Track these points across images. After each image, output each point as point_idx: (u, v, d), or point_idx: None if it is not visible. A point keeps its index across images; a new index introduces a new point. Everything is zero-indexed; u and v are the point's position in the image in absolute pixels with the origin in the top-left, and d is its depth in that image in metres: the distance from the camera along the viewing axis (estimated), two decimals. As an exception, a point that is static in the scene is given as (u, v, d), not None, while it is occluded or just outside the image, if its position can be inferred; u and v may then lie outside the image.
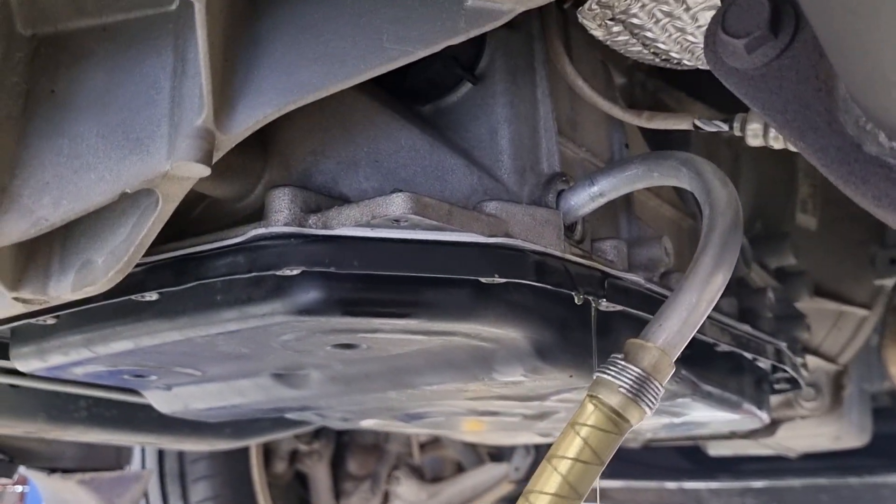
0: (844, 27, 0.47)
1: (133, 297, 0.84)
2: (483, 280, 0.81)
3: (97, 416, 1.82)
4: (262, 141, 0.85)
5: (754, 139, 0.89)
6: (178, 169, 0.62)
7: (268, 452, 2.74)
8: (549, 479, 0.65)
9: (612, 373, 0.68)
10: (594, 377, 0.70)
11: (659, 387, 0.69)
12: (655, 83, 1.38)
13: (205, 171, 0.63)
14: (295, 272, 0.77)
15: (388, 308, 0.82)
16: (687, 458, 3.02)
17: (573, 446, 0.66)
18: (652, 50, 0.88)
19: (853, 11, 0.44)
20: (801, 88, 0.59)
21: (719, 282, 0.71)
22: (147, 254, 0.82)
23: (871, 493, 3.13)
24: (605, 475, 2.52)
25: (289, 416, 1.39)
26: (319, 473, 2.88)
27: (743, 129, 0.89)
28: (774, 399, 2.07)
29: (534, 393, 1.10)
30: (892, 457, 2.79)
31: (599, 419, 0.67)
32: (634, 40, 0.86)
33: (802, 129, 0.58)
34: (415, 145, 0.88)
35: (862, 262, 1.89)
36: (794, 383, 1.55)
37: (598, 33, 0.84)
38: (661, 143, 1.26)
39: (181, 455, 2.62)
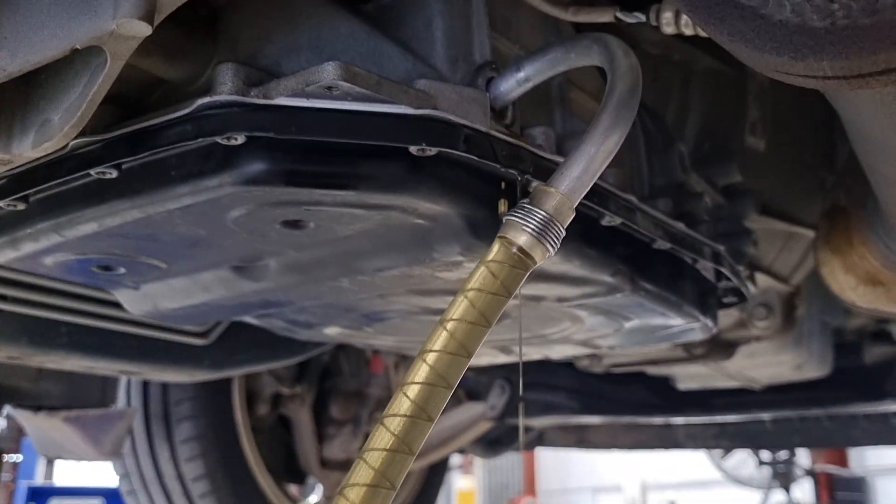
0: None
1: (93, 173, 0.92)
2: (413, 151, 0.88)
3: (78, 342, 1.89)
4: (212, 27, 0.92)
5: (668, 27, 0.96)
6: (123, 27, 0.69)
7: (250, 396, 2.80)
8: (459, 307, 0.73)
9: (520, 216, 0.77)
10: (503, 220, 0.78)
11: (561, 228, 0.77)
12: None
13: (147, 29, 0.70)
14: (239, 140, 0.85)
15: (327, 179, 0.90)
16: (656, 393, 3.12)
17: (482, 280, 0.74)
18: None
19: None
20: (672, -58, 0.66)
21: (616, 137, 0.79)
22: (105, 130, 0.90)
23: (842, 434, 3.24)
24: (578, 411, 2.63)
25: (253, 320, 1.47)
26: (302, 417, 2.95)
27: (658, 18, 0.96)
28: (729, 320, 2.16)
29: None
30: (854, 388, 2.89)
31: (507, 256, 0.75)
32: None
33: (673, -21, 0.66)
34: (354, 33, 0.95)
35: (812, 186, 1.96)
36: (740, 295, 1.63)
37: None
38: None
39: (165, 395, 2.69)
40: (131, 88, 0.92)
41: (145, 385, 2.68)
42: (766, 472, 8.22)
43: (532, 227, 0.76)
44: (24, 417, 2.50)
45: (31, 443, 2.71)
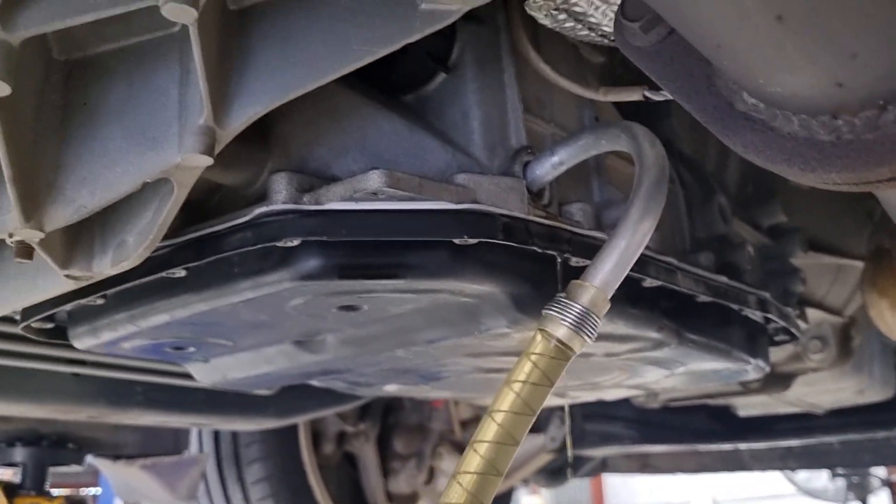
0: (683, 25, 0.60)
1: (164, 273, 1.00)
2: (456, 241, 0.94)
3: (152, 399, 2.00)
4: (264, 135, 1.00)
5: (694, 105, 1.00)
6: (187, 160, 0.77)
7: (316, 435, 2.88)
8: (506, 399, 0.79)
9: (557, 309, 0.82)
10: (542, 313, 0.83)
11: (597, 320, 0.82)
12: None
13: (208, 161, 0.78)
14: (295, 242, 0.92)
15: (377, 270, 0.96)
16: (718, 420, 3.10)
17: (525, 370, 0.79)
18: (599, 33, 1.00)
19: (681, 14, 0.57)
20: (687, 61, 0.71)
21: (646, 227, 0.84)
22: (173, 236, 0.98)
23: (913, 451, 3.17)
24: (638, 440, 2.67)
25: (316, 382, 1.54)
26: (367, 454, 3.01)
27: (685, 96, 1.00)
28: (784, 353, 2.16)
29: (523, 346, 1.23)
30: (919, 410, 2.82)
31: (547, 348, 0.80)
32: (580, 25, 0.98)
33: (689, 93, 0.70)
34: (396, 130, 1.01)
35: (859, 217, 1.96)
36: (790, 334, 1.64)
37: (546, 22, 0.97)
38: (644, 115, 1.38)
39: (235, 439, 2.79)
40: (194, 196, 1.00)
41: (216, 431, 2.78)
42: (841, 483, 7.98)
43: (569, 320, 0.81)
44: (104, 465, 2.62)
45: (111, 487, 2.83)
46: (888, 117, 0.60)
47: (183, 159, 0.77)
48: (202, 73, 0.75)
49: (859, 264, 1.92)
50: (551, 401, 1.98)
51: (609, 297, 0.83)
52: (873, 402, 2.65)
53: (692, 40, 0.62)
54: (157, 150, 0.78)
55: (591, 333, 0.82)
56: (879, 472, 8.04)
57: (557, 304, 0.82)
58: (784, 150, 0.65)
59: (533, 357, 0.80)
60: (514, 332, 1.13)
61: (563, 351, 0.81)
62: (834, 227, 1.91)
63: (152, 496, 2.71)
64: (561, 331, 0.81)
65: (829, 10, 0.50)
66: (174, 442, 2.72)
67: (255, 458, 2.77)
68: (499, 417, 0.78)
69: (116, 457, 2.59)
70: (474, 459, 0.78)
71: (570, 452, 2.89)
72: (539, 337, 0.81)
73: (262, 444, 2.76)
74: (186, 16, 0.71)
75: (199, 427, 2.62)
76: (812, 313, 1.95)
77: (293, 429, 2.75)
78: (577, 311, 0.81)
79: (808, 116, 0.63)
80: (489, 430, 0.79)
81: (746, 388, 2.17)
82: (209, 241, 0.96)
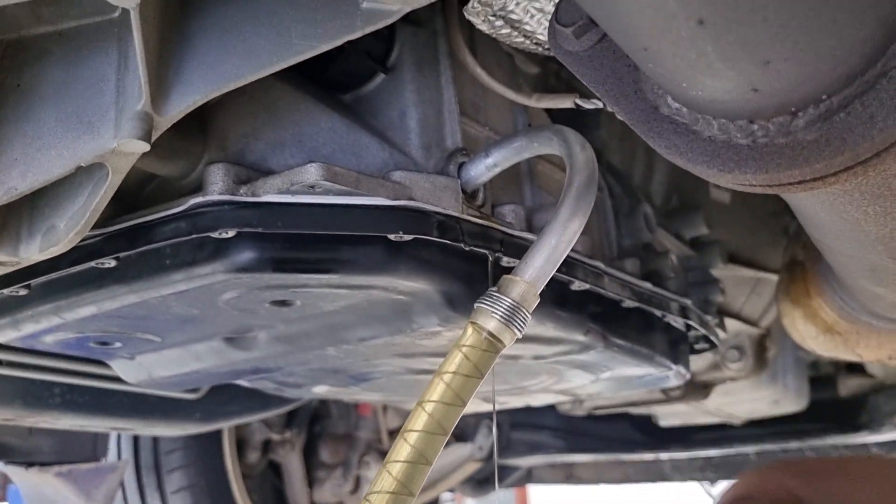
0: (612, 28, 0.63)
1: (93, 263, 0.99)
2: (391, 237, 0.96)
3: (70, 402, 1.93)
4: (201, 126, 1.00)
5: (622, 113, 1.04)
6: (123, 146, 0.77)
7: (241, 443, 2.84)
8: (437, 389, 0.81)
9: (488, 303, 0.84)
10: (474, 307, 0.85)
11: (527, 314, 0.85)
12: (569, 73, 1.54)
13: (144, 146, 0.77)
14: (230, 234, 0.92)
15: (311, 265, 0.97)
16: (640, 430, 3.18)
17: (456, 362, 0.81)
18: (533, 41, 1.04)
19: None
20: (616, 66, 0.74)
21: (575, 226, 0.87)
22: (105, 225, 0.97)
23: (825, 463, 3.31)
24: (564, 449, 2.72)
25: (245, 382, 1.53)
26: (292, 463, 2.98)
27: (614, 105, 1.04)
28: (703, 363, 2.24)
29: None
30: (830, 420, 2.96)
31: (478, 340, 0.82)
32: (516, 33, 1.01)
33: (617, 97, 0.74)
34: (334, 127, 1.03)
35: (776, 232, 2.06)
36: (710, 342, 1.71)
37: (484, 27, 1.00)
38: (575, 125, 1.42)
39: (156, 446, 2.72)
40: (127, 184, 0.99)
41: (136, 437, 2.71)
42: (757, 497, 8.27)
43: (500, 313, 0.83)
44: (16, 473, 2.52)
45: (22, 497, 2.72)
46: (798, 123, 0.64)
47: (119, 144, 0.76)
48: (142, 59, 0.75)
49: (775, 277, 2.01)
50: (479, 407, 2.00)
51: (538, 291, 0.86)
52: (787, 412, 2.76)
53: (621, 43, 0.65)
54: (92, 134, 0.78)
55: (521, 327, 0.84)
56: (792, 485, 8.36)
57: (489, 297, 0.85)
58: (705, 153, 0.69)
59: (464, 349, 0.82)
60: (446, 331, 1.15)
61: (493, 343, 0.83)
62: (752, 241, 2.00)
63: (66, 506, 2.62)
64: (492, 323, 0.83)
65: (745, 17, 0.54)
66: (92, 448, 2.64)
67: (176, 466, 2.71)
68: (429, 407, 0.80)
69: (29, 464, 2.50)
70: (404, 449, 0.79)
71: (495, 457, 2.92)
72: (470, 329, 0.83)
73: (184, 451, 2.70)
74: (128, 0, 0.71)
75: (120, 432, 2.55)
76: (730, 323, 2.03)
77: (217, 436, 2.70)
78: (508, 304, 0.83)
79: (726, 121, 0.67)
80: (419, 420, 0.80)
81: (668, 396, 2.24)
82: (142, 230, 0.95)
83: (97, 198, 0.81)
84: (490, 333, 0.83)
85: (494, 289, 0.85)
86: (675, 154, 0.70)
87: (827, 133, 0.63)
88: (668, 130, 0.70)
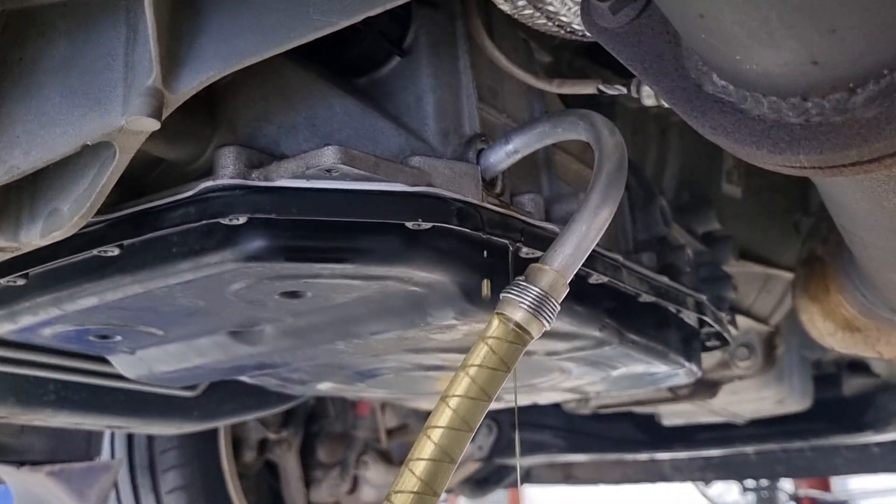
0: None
1: (96, 251, 0.94)
2: (409, 225, 0.92)
3: (65, 399, 1.88)
4: (211, 109, 0.95)
5: (648, 99, 1.01)
6: (132, 123, 0.72)
7: (237, 442, 2.79)
8: (461, 384, 0.76)
9: (516, 292, 0.80)
10: (500, 297, 0.81)
11: (556, 304, 0.81)
12: (582, 62, 1.50)
13: (155, 124, 0.73)
14: (241, 220, 0.87)
15: (325, 253, 0.93)
16: (642, 429, 3.15)
17: (482, 355, 0.77)
18: (556, 23, 1.00)
19: None
20: (656, 42, 0.70)
21: (605, 214, 0.83)
22: (109, 211, 0.92)
23: (824, 464, 3.29)
24: (565, 449, 2.67)
25: (247, 378, 1.49)
26: (289, 462, 2.94)
27: (639, 90, 1.01)
28: (712, 360, 2.21)
29: (469, 341, 1.21)
30: (834, 420, 2.93)
31: (505, 332, 0.78)
32: (539, 13, 0.97)
33: (657, 75, 0.70)
34: (348, 111, 0.98)
35: (787, 229, 2.02)
36: (722, 339, 1.67)
37: (506, 7, 0.96)
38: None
39: (151, 445, 2.67)
40: (133, 169, 0.94)
41: (130, 436, 2.66)
42: (751, 498, 8.25)
43: (528, 303, 0.79)
44: (6, 473, 2.47)
45: (13, 496, 2.67)
46: (857, 100, 0.61)
47: (128, 122, 0.72)
48: (153, 32, 0.71)
49: (786, 274, 1.98)
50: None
51: (567, 281, 0.82)
52: (791, 412, 2.73)
53: (672, 12, 0.61)
54: (99, 111, 0.73)
55: (550, 318, 0.80)
56: (787, 487, 8.35)
57: (516, 287, 0.80)
58: (753, 133, 0.65)
59: (490, 341, 0.78)
60: (461, 325, 1.10)
61: (520, 335, 0.79)
62: (763, 238, 1.97)
63: (58, 506, 2.56)
64: (519, 314, 0.79)
65: (814, -20, 0.50)
66: (86, 447, 2.59)
67: (171, 465, 2.66)
68: (453, 403, 0.76)
69: (21, 463, 2.44)
70: (427, 446, 0.75)
71: (517, 453, 2.88)
72: (496, 321, 0.79)
73: (179, 450, 2.65)
74: (139, -32, 0.67)
75: (115, 430, 2.50)
76: (740, 321, 2.00)
77: (213, 436, 2.66)
78: (536, 293, 0.79)
79: (777, 98, 0.63)
80: (443, 416, 0.76)
81: (676, 395, 2.21)
82: (148, 216, 0.91)
83: (103, 179, 0.76)
84: (517, 324, 0.79)
85: (521, 278, 0.81)
86: (721, 135, 0.66)
87: (888, 111, 0.59)
88: (713, 110, 0.66)
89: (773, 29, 0.54)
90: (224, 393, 2.15)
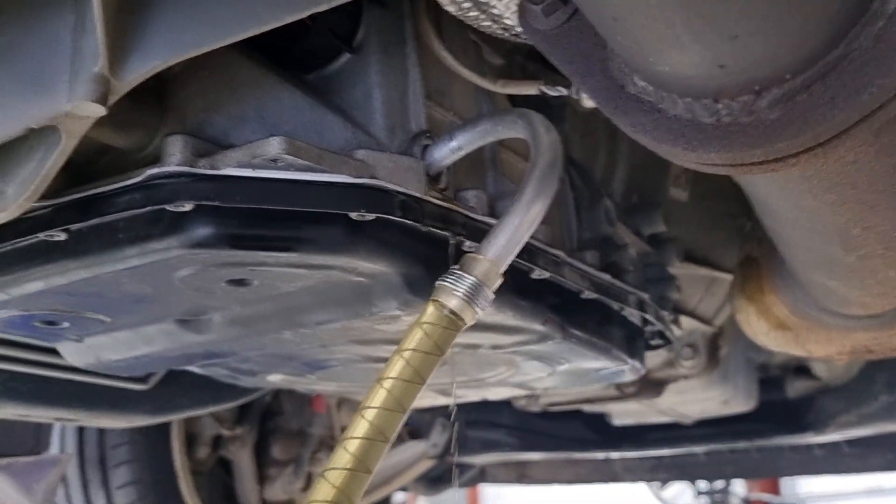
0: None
1: (42, 236, 0.95)
2: (353, 216, 0.95)
3: (12, 389, 1.85)
4: (161, 98, 0.97)
5: (587, 101, 1.05)
6: (78, 108, 0.74)
7: (190, 438, 2.77)
8: (396, 366, 0.80)
9: (451, 280, 0.83)
10: (436, 284, 0.84)
11: (489, 292, 0.84)
12: (534, 66, 1.54)
13: (100, 110, 0.75)
14: (187, 207, 0.90)
15: (270, 242, 0.95)
16: (593, 429, 3.20)
17: (416, 339, 0.80)
18: (501, 25, 1.03)
19: None
20: (584, 44, 0.74)
21: (538, 207, 0.87)
22: (56, 196, 0.94)
23: (770, 465, 3.37)
24: (518, 448, 2.71)
25: (196, 369, 1.50)
26: (243, 459, 2.92)
27: (578, 92, 1.05)
28: (658, 359, 2.26)
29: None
30: (778, 421, 3.01)
31: (439, 318, 0.82)
32: (483, 16, 1.00)
33: (584, 76, 0.74)
34: (297, 104, 1.01)
35: (732, 233, 2.09)
36: (665, 338, 1.72)
37: (451, 9, 0.99)
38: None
39: (102, 440, 2.64)
40: (80, 155, 0.96)
41: (80, 429, 2.64)
42: (704, 501, 8.40)
43: (462, 291, 0.83)
44: (-47, 467, 2.43)
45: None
46: (762, 103, 0.65)
47: (73, 107, 0.74)
48: (100, 20, 0.73)
49: (730, 277, 2.03)
50: (436, 401, 2.00)
51: (501, 271, 0.86)
52: (737, 412, 2.81)
53: (590, 14, 0.65)
54: (46, 95, 0.75)
55: (483, 305, 0.84)
56: (739, 490, 8.52)
57: (451, 275, 0.84)
58: (670, 131, 0.69)
59: (424, 326, 0.81)
60: (405, 316, 1.13)
61: (454, 321, 0.82)
62: (708, 241, 2.02)
63: (5, 500, 2.53)
64: (453, 301, 0.83)
65: (715, -12, 0.55)
66: (34, 441, 2.56)
67: (122, 460, 2.64)
68: (388, 384, 0.79)
69: (-35, 457, 2.41)
70: (362, 425, 0.78)
71: (453, 448, 2.91)
72: (431, 307, 0.83)
73: (130, 445, 2.63)
74: (86, -43, 0.69)
75: (64, 422, 2.47)
76: (684, 322, 2.06)
77: (165, 431, 2.64)
78: (470, 282, 0.83)
79: (692, 99, 0.67)
80: (377, 397, 0.79)
81: (623, 393, 2.26)
82: (94, 202, 0.92)
83: (49, 162, 0.78)
84: (451, 311, 0.82)
85: (457, 267, 0.85)
86: (641, 132, 0.70)
87: (789, 113, 0.64)
88: (634, 109, 0.70)
89: (678, 34, 0.58)
90: (177, 387, 2.15)
